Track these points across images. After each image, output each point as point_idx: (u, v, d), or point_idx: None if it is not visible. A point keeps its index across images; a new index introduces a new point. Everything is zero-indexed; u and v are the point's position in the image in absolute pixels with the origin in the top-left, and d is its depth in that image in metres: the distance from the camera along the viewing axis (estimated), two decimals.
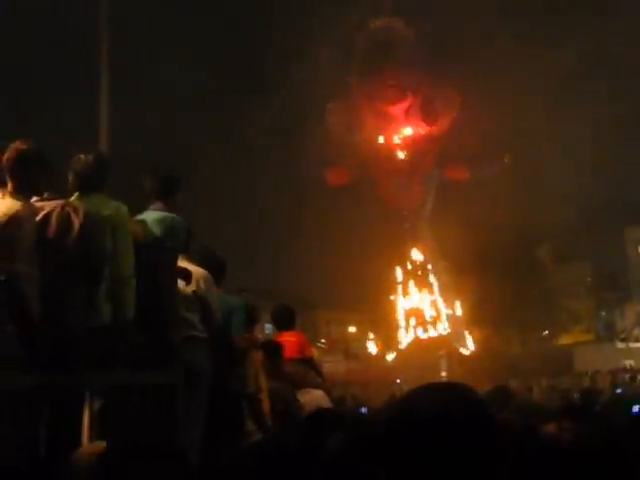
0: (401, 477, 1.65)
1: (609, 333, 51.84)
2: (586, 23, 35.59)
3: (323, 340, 42.65)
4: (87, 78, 18.32)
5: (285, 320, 7.98)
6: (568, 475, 2.68)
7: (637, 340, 48.49)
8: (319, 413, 4.24)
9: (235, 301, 6.38)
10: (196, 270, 5.70)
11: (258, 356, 6.56)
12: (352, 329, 50.14)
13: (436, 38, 39.62)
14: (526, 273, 44.80)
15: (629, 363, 40.48)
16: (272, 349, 6.91)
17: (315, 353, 9.12)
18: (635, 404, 7.29)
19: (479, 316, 40.26)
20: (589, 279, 53.80)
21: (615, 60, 40.61)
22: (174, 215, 5.48)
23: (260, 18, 39.17)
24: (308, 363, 7.68)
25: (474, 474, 1.61)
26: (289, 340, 7.73)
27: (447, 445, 1.62)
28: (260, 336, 8.58)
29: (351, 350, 47.10)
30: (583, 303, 52.25)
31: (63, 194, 4.85)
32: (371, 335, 45.37)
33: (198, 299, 5.66)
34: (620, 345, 47.85)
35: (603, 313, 53.93)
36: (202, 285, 5.71)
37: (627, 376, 31.06)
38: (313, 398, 6.79)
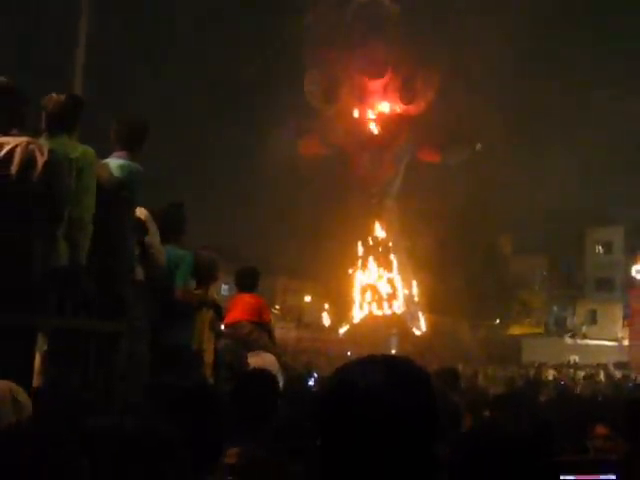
0: (337, 448, 1.63)
1: (559, 328, 52.63)
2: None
3: (277, 306, 42.68)
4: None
5: (248, 282, 7.98)
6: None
7: (585, 337, 49.33)
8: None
9: (182, 253, 6.31)
10: (138, 210, 5.64)
11: (208, 313, 6.55)
12: (308, 298, 50.28)
13: (422, 17, 39.50)
14: (484, 261, 45.21)
15: (574, 359, 41.22)
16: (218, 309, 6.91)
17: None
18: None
19: (434, 299, 40.58)
20: (544, 273, 54.46)
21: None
22: (136, 164, 5.41)
23: None
24: (263, 327, 7.70)
25: (412, 450, 1.61)
26: (248, 302, 7.74)
27: (386, 418, 1.60)
28: (215, 295, 8.56)
29: (305, 319, 47.25)
30: (536, 296, 52.92)
31: (36, 132, 4.78)
32: (326, 306, 45.55)
33: (141, 243, 5.59)
34: (568, 341, 48.64)
35: (555, 308, 54.70)
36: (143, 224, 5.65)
37: (572, 371, 31.67)
38: (264, 361, 6.80)
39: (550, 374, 29.78)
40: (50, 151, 4.49)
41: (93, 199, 4.83)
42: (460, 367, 22.12)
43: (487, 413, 5.19)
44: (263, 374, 4.27)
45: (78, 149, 4.84)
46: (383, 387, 1.62)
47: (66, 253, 4.63)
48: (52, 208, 4.50)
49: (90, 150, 4.92)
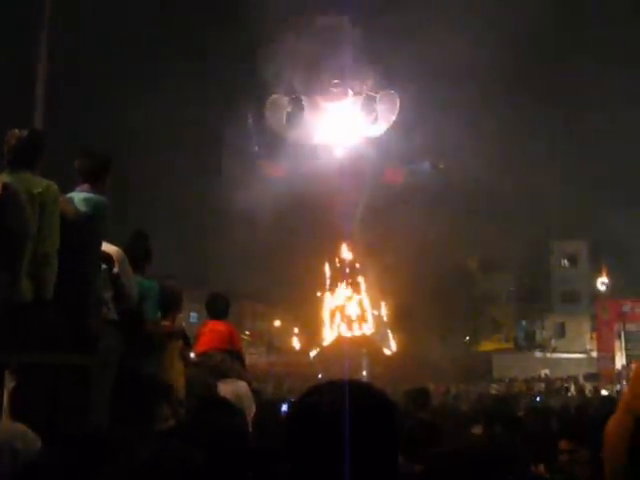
0: (306, 471, 1.67)
1: (528, 342, 53.02)
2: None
3: (247, 332, 42.54)
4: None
5: (218, 308, 7.96)
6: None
7: (554, 351, 49.72)
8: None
9: (148, 284, 6.28)
10: (110, 248, 5.61)
11: (177, 343, 6.53)
12: (277, 323, 50.20)
13: (383, 39, 39.90)
14: (452, 279, 45.50)
15: (545, 372, 41.53)
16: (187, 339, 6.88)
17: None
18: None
19: (403, 318, 40.71)
20: (512, 289, 54.90)
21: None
22: (101, 197, 5.39)
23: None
24: (234, 354, 7.67)
25: (376, 470, 1.65)
26: (219, 329, 7.71)
27: (349, 440, 1.63)
28: (183, 324, 8.52)
29: (275, 344, 47.14)
30: (505, 312, 53.31)
31: None
32: (295, 330, 45.48)
33: (112, 277, 5.57)
34: (538, 355, 49.01)
35: (524, 323, 55.12)
36: (116, 263, 5.61)
37: (543, 385, 31.89)
38: (237, 388, 6.78)
39: (523, 388, 29.90)
40: (4, 186, 4.47)
41: (57, 234, 4.81)
42: (431, 386, 22.23)
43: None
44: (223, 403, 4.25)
45: (41, 184, 4.83)
46: (345, 407, 1.67)
47: (30, 288, 4.60)
48: (10, 243, 4.47)
49: (53, 185, 4.91)
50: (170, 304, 6.65)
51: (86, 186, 5.40)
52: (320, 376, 34.52)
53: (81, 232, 5.10)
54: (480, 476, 2.29)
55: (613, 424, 2.14)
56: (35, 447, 3.11)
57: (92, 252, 5.21)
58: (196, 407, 4.22)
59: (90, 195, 5.33)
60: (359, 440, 1.65)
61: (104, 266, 5.46)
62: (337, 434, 1.64)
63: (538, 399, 22.28)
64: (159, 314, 6.48)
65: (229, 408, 3.84)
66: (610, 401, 13.49)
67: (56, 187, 4.94)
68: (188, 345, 6.89)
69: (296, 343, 44.81)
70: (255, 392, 7.89)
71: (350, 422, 1.65)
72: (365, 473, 1.64)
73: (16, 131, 4.99)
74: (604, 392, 27.01)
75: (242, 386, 6.94)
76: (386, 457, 1.69)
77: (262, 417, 5.90)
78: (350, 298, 42.54)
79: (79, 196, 5.31)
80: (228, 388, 6.64)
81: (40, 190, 4.78)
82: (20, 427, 3.20)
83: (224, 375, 6.99)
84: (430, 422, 4.90)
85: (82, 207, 5.23)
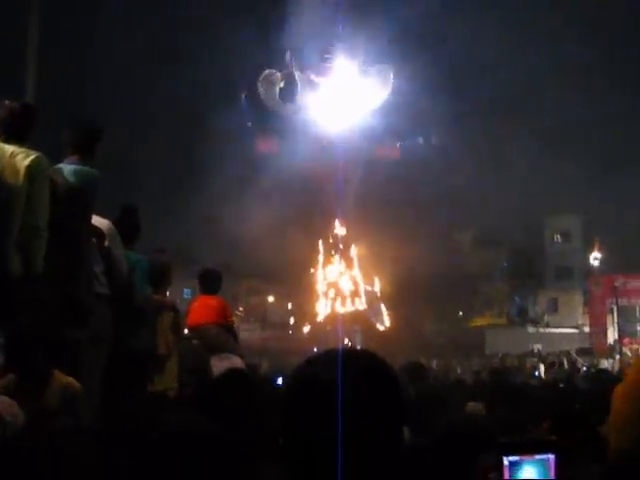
0: (300, 445, 1.60)
1: (521, 318, 53.23)
2: None
3: (241, 308, 42.62)
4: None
5: (211, 284, 7.93)
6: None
7: (547, 326, 49.96)
8: (232, 374, 4.24)
9: (138, 258, 6.21)
10: (101, 222, 5.54)
11: (168, 317, 6.48)
12: (271, 299, 50.28)
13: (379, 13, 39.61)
14: (446, 254, 45.52)
15: (537, 347, 41.73)
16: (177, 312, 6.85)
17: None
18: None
19: (396, 293, 40.79)
20: (505, 264, 55.04)
21: None
22: (91, 169, 5.29)
23: None
24: (228, 329, 7.65)
25: (378, 442, 1.58)
26: (212, 304, 7.69)
27: (348, 411, 1.56)
28: (177, 300, 8.47)
29: (269, 319, 47.23)
30: (498, 287, 53.47)
31: None
32: (289, 306, 45.56)
33: (102, 251, 5.49)
34: (531, 330, 49.22)
35: (516, 298, 55.31)
36: (107, 237, 5.54)
37: (535, 360, 32.06)
38: (232, 363, 6.74)
39: (515, 362, 30.04)
40: None
41: (47, 206, 4.74)
42: (425, 361, 22.30)
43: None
44: (240, 374, 4.24)
45: (30, 157, 4.74)
46: (345, 380, 1.59)
47: (19, 262, 4.53)
48: None
49: (42, 157, 4.82)
50: (160, 278, 6.61)
51: (75, 157, 5.30)
52: (315, 350, 34.60)
53: (71, 205, 5.02)
54: (481, 450, 2.25)
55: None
56: (21, 420, 3.07)
57: (83, 225, 5.13)
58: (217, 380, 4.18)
59: (80, 167, 5.23)
60: (360, 413, 1.57)
61: (94, 240, 5.39)
62: (337, 408, 1.56)
63: (537, 374, 22.42)
64: (149, 288, 6.43)
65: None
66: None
67: (45, 159, 4.86)
68: (178, 318, 6.85)
69: (290, 319, 44.89)
70: (250, 367, 7.87)
71: (351, 393, 1.57)
72: (367, 448, 1.56)
73: (7, 103, 4.91)
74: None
75: (237, 361, 6.90)
76: (391, 431, 1.61)
77: (258, 392, 5.85)
78: (343, 274, 42.57)
79: (68, 168, 5.22)
80: (224, 363, 6.60)
81: (29, 163, 4.70)
82: (6, 400, 3.14)
83: (219, 349, 6.96)
84: (434, 394, 4.87)
85: (72, 179, 5.14)
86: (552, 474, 2.04)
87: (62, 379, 4.02)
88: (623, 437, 1.19)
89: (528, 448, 2.06)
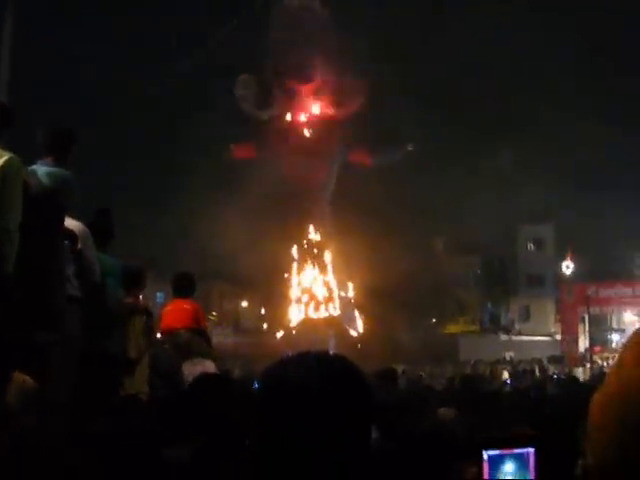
0: (269, 446, 1.59)
1: (494, 325, 53.51)
2: None
3: (214, 312, 42.42)
4: None
5: (185, 287, 7.89)
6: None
7: (519, 334, 50.25)
8: (205, 378, 4.23)
9: (111, 261, 6.18)
10: (73, 224, 5.50)
11: (140, 321, 6.45)
12: (244, 304, 50.12)
13: (351, 22, 39.74)
14: (420, 261, 45.66)
15: (509, 355, 41.96)
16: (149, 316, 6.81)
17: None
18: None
19: (369, 300, 40.82)
20: (478, 272, 55.29)
21: None
22: (66, 172, 5.25)
23: None
24: (201, 333, 7.62)
25: (346, 445, 1.58)
26: (185, 308, 7.65)
27: (318, 413, 1.56)
28: (150, 304, 8.44)
29: (242, 324, 47.08)
30: (471, 295, 53.69)
31: None
32: (262, 311, 45.45)
33: (74, 254, 5.45)
34: (503, 337, 49.48)
35: (489, 305, 55.58)
36: (80, 239, 5.50)
37: (508, 367, 32.21)
38: (205, 368, 6.72)
39: (487, 370, 30.17)
40: None
41: (19, 207, 4.68)
42: (398, 367, 22.32)
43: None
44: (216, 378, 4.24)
45: (2, 157, 4.69)
46: (315, 381, 1.59)
47: None
48: None
49: (15, 158, 4.76)
50: (133, 281, 6.58)
51: (49, 159, 5.26)
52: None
53: (44, 206, 4.97)
54: (448, 457, 2.27)
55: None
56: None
57: (55, 227, 5.09)
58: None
59: (54, 169, 5.19)
60: (331, 416, 1.57)
61: (66, 242, 5.35)
62: (307, 409, 1.56)
63: (509, 382, 22.53)
64: (122, 291, 6.40)
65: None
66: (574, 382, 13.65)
67: (19, 160, 4.80)
68: (150, 322, 6.82)
69: (263, 324, 44.77)
70: (223, 372, 7.84)
71: (321, 396, 1.57)
72: (337, 451, 1.56)
73: None
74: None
75: (210, 366, 6.87)
76: (360, 432, 1.61)
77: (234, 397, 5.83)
78: (317, 279, 42.57)
79: (42, 170, 5.17)
80: (197, 368, 6.57)
81: (2, 163, 4.64)
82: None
83: (192, 354, 6.93)
84: (405, 400, 4.89)
85: (46, 181, 5.09)
86: (531, 468, 2.04)
87: (18, 378, 3.99)
88: (601, 453, 1.19)
89: (507, 442, 2.06)
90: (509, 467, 2.06)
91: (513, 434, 2.24)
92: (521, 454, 2.08)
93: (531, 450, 2.08)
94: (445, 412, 5.16)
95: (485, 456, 2.04)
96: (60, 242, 5.20)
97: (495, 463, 2.05)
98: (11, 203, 4.64)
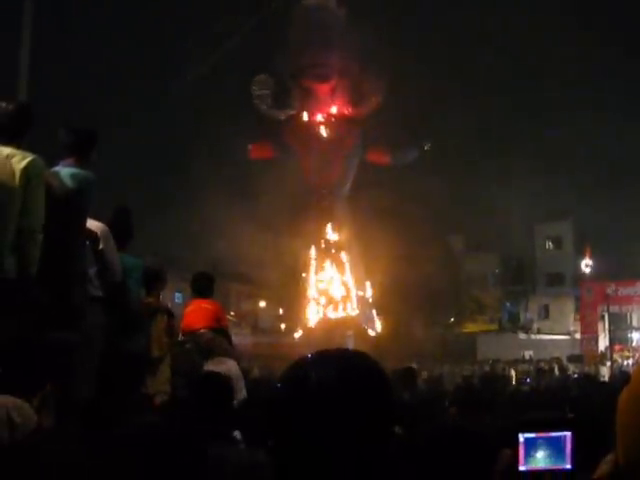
0: (290, 446, 1.59)
1: (512, 324, 53.24)
2: None
3: (232, 312, 42.48)
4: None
5: (204, 287, 7.91)
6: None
7: (538, 332, 49.99)
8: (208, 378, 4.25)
9: (132, 261, 6.22)
10: (94, 224, 5.53)
11: (162, 320, 6.48)
12: (262, 304, 50.16)
13: (368, 21, 39.67)
14: (438, 260, 45.51)
15: (529, 354, 41.76)
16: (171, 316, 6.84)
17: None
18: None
19: (388, 299, 40.71)
20: (497, 271, 55.06)
21: None
22: (88, 173, 5.29)
23: None
24: (222, 333, 7.64)
25: (368, 444, 1.58)
26: (206, 308, 7.67)
27: (340, 411, 1.55)
28: (169, 304, 8.48)
29: (260, 324, 47.13)
30: (489, 294, 53.46)
31: None
32: (280, 311, 45.46)
33: (96, 254, 5.48)
34: (522, 336, 49.23)
35: (508, 304, 55.32)
36: (101, 240, 5.53)
37: (527, 366, 32.07)
38: (228, 367, 6.75)
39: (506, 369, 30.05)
40: None
41: (42, 208, 4.73)
42: (416, 366, 22.32)
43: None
44: (218, 378, 4.24)
45: (26, 159, 4.74)
46: (336, 380, 1.58)
47: (14, 264, 4.52)
48: None
49: (38, 159, 4.82)
50: (154, 281, 6.61)
51: (71, 160, 5.31)
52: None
53: (67, 208, 5.02)
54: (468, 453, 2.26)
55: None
56: (32, 421, 3.07)
57: (77, 228, 5.13)
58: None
59: (76, 170, 5.23)
60: (351, 412, 1.56)
61: (88, 242, 5.39)
62: (328, 408, 1.55)
63: (528, 380, 22.46)
64: (143, 291, 6.43)
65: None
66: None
67: (41, 161, 4.85)
68: (172, 322, 6.85)
69: (281, 324, 44.77)
70: (243, 372, 7.86)
71: (342, 395, 1.57)
72: (359, 450, 1.56)
73: (2, 104, 4.90)
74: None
75: (232, 365, 6.90)
76: (382, 431, 1.61)
77: (255, 395, 5.87)
78: (335, 279, 42.49)
79: (64, 171, 5.22)
80: (220, 367, 6.60)
81: (25, 165, 4.69)
82: (17, 400, 3.15)
83: (214, 353, 6.95)
84: (425, 399, 4.90)
85: (68, 182, 5.14)
86: (568, 453, 2.02)
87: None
88: (628, 451, 1.18)
89: (544, 425, 2.04)
90: (544, 450, 2.04)
91: (551, 416, 2.22)
92: (558, 437, 2.05)
93: (568, 434, 2.06)
94: (454, 412, 5.17)
95: (521, 439, 2.03)
96: (82, 243, 5.25)
97: (531, 446, 2.04)
98: (35, 204, 4.69)
